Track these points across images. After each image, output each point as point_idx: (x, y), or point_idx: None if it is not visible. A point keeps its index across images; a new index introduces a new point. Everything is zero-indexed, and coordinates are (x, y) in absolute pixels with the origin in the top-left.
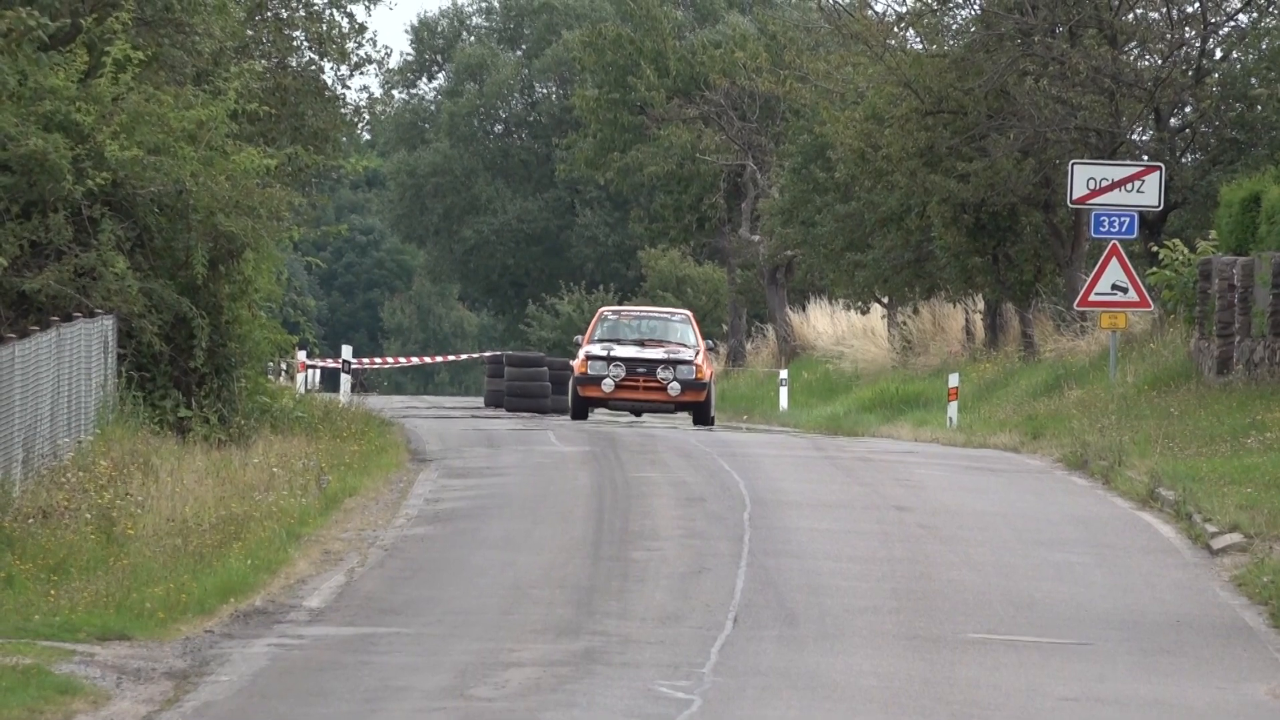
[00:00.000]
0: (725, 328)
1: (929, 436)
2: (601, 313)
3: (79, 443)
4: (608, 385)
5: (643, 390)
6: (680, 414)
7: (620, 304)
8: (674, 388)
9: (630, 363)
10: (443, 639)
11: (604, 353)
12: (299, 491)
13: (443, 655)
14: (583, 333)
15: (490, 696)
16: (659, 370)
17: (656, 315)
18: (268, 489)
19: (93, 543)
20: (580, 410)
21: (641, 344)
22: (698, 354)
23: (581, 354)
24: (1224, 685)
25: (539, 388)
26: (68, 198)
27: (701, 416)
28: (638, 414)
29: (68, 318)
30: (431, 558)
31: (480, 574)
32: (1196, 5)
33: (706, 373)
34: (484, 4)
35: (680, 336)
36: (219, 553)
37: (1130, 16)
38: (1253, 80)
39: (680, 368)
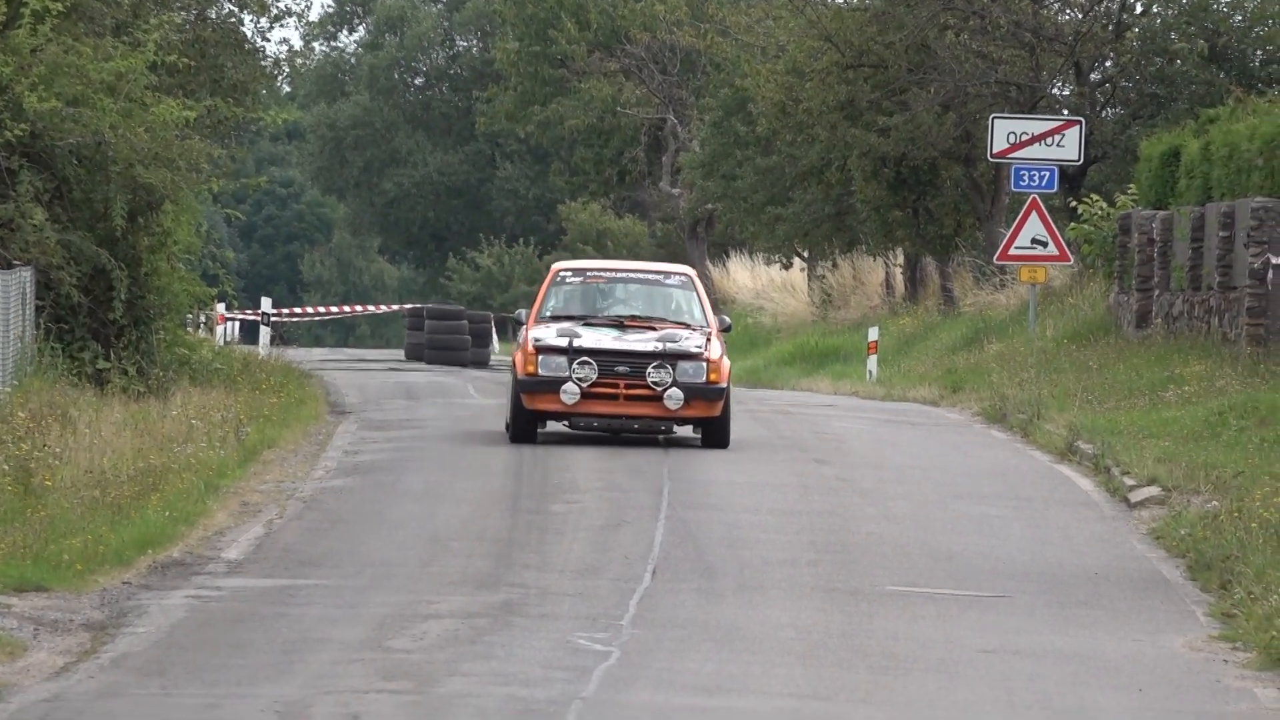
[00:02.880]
0: None
1: (848, 390)
2: (557, 272)
3: None
4: (570, 394)
5: (625, 401)
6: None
7: (571, 262)
8: (674, 397)
9: (606, 357)
10: (361, 591)
11: (563, 341)
12: (217, 443)
13: (361, 607)
14: (527, 303)
15: (408, 648)
16: (651, 369)
17: (642, 275)
18: (186, 441)
19: (9, 494)
20: (525, 429)
21: (621, 325)
22: (708, 340)
23: (526, 340)
24: (1141, 638)
25: (459, 341)
26: None
27: (715, 435)
28: (615, 432)
29: None
30: (350, 510)
31: (399, 526)
32: None
33: (723, 370)
34: None
35: (681, 310)
36: (137, 504)
37: None
38: (1172, 35)
39: (683, 365)
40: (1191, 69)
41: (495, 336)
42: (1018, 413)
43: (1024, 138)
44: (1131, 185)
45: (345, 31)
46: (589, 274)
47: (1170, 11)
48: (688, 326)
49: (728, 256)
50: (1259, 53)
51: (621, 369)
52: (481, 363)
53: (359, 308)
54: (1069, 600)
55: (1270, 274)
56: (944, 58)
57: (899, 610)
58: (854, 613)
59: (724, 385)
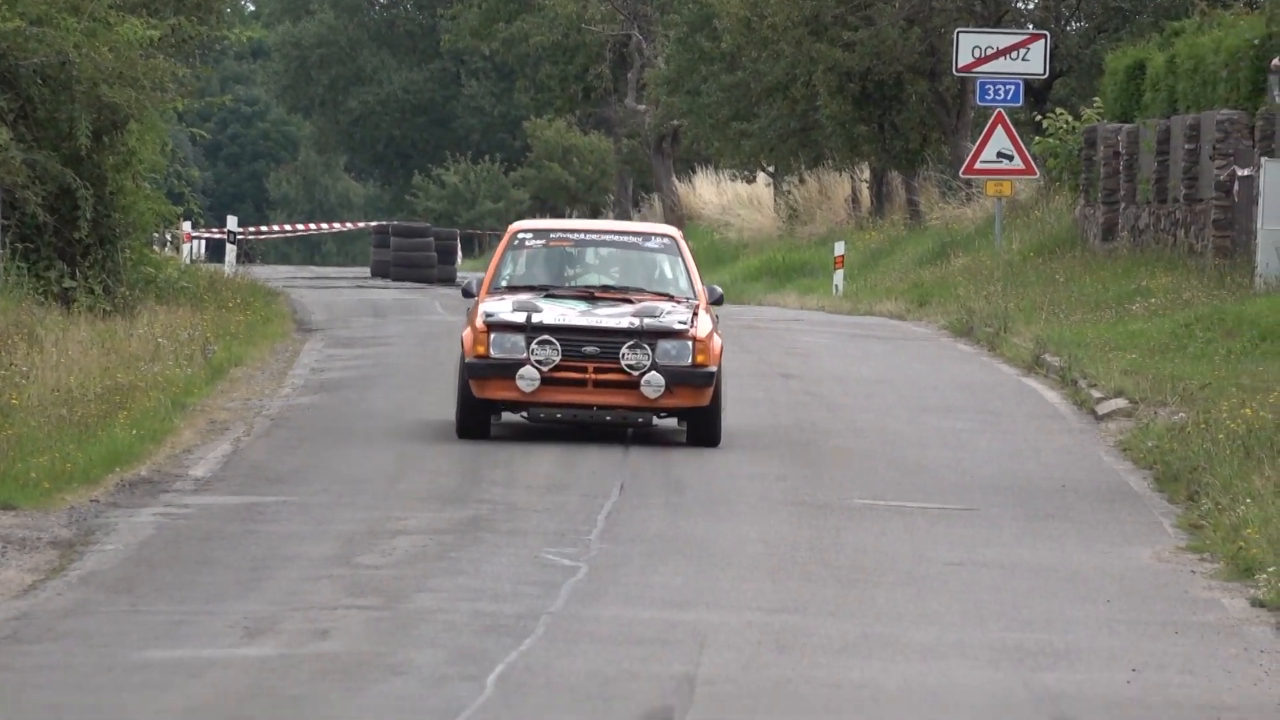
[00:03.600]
0: (611, 198)
1: (815, 304)
2: (514, 234)
3: None
4: (528, 379)
5: (594, 388)
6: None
7: (531, 222)
8: (653, 383)
9: (571, 335)
10: (329, 508)
11: (519, 316)
12: (184, 362)
13: (329, 524)
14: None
15: (377, 564)
16: (625, 350)
17: (617, 237)
18: (153, 359)
19: None
20: (475, 422)
21: (590, 297)
22: (695, 314)
23: (475, 315)
24: (1109, 550)
25: (425, 258)
26: None
27: (703, 430)
28: (584, 426)
29: None
30: (318, 427)
31: (367, 443)
32: None
33: (713, 350)
34: None
35: (663, 278)
36: (104, 423)
37: None
38: None
39: (665, 344)
40: None
41: (460, 253)
42: (984, 326)
43: (989, 52)
44: (1097, 99)
45: None
46: (553, 235)
47: None
48: (670, 298)
49: (693, 172)
50: None
51: (590, 349)
52: (447, 279)
53: (325, 226)
54: (1037, 513)
55: (1236, 186)
56: None
57: (867, 523)
58: (822, 526)
59: (713, 369)
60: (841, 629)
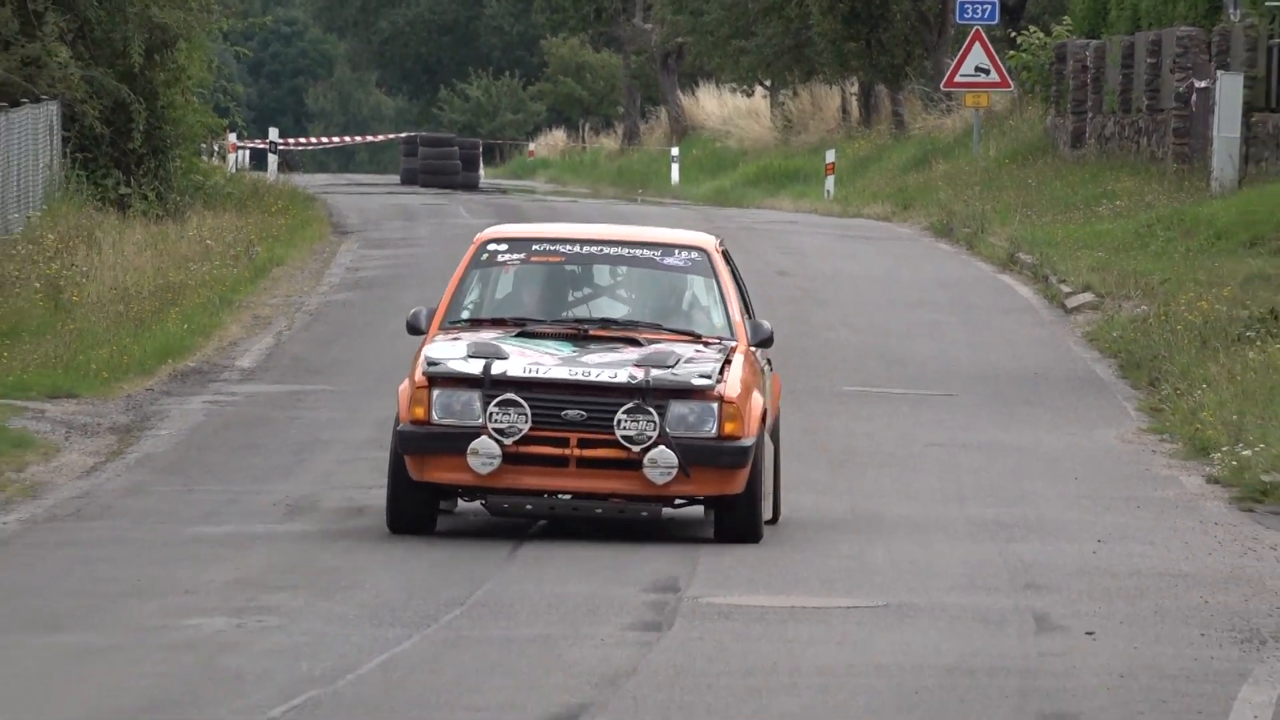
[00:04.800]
0: (621, 110)
1: (808, 208)
2: (482, 244)
3: (28, 218)
4: (484, 455)
5: (578, 469)
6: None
7: (506, 228)
8: (660, 461)
9: (547, 394)
10: (364, 396)
11: (474, 367)
12: (230, 262)
13: (364, 411)
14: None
15: None
16: (623, 416)
17: (625, 250)
18: (202, 260)
19: (42, 309)
20: (413, 513)
21: (580, 336)
22: (726, 363)
23: (418, 363)
24: (1077, 432)
25: (450, 165)
26: None
27: (737, 523)
28: (560, 520)
29: (15, 104)
30: (354, 322)
31: (398, 337)
32: None
33: (748, 416)
34: None
35: (689, 309)
36: (158, 318)
37: None
38: None
39: (678, 407)
40: None
41: (482, 162)
42: (963, 227)
43: None
44: (1066, 17)
45: None
46: (535, 248)
47: None
48: (697, 338)
49: (696, 86)
50: None
51: (573, 414)
52: (471, 185)
53: (358, 137)
54: (1011, 398)
55: (1194, 97)
56: None
57: (855, 409)
58: (814, 412)
59: (748, 441)
60: (831, 505)
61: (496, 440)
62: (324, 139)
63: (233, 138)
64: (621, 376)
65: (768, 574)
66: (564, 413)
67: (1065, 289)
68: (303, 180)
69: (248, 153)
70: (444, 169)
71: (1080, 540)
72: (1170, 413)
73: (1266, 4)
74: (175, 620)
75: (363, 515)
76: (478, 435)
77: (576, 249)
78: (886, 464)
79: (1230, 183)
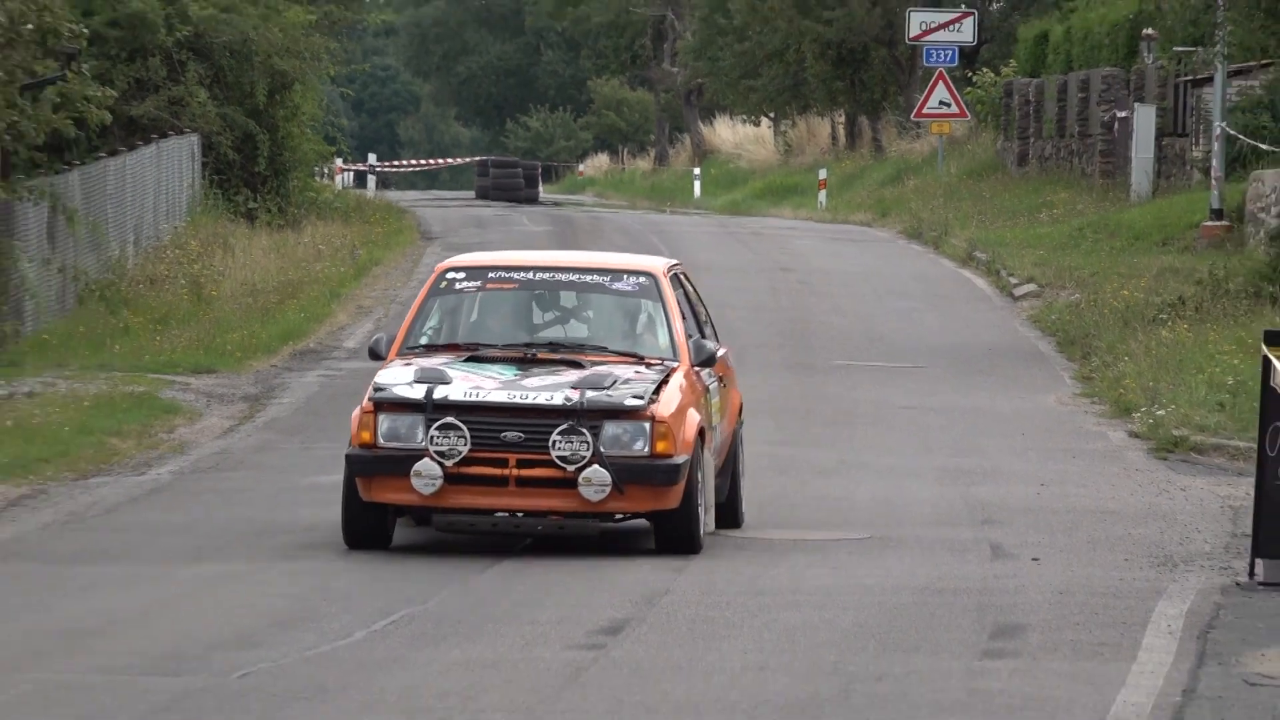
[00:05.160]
0: (653, 137)
1: (805, 216)
2: (441, 274)
3: (175, 228)
4: (426, 477)
5: (517, 488)
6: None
7: (466, 257)
8: (595, 479)
9: (485, 417)
10: None
11: (417, 393)
12: (338, 263)
13: None
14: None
15: None
16: (557, 437)
17: (577, 276)
18: (315, 261)
19: (186, 302)
20: (365, 529)
21: (525, 361)
22: (664, 381)
23: (372, 385)
24: (1023, 396)
25: (515, 183)
26: (162, 46)
27: (674, 534)
28: (506, 536)
29: (164, 136)
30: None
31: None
32: None
33: (680, 435)
34: None
35: (632, 330)
36: (280, 308)
37: None
38: None
39: (612, 428)
40: None
41: (541, 180)
42: (930, 231)
43: (932, 25)
44: (1012, 60)
45: None
46: (491, 275)
47: None
48: (639, 360)
49: (714, 118)
50: None
51: (511, 435)
52: (532, 199)
53: (441, 160)
54: (970, 370)
55: (1116, 125)
56: None
57: (844, 379)
58: (810, 381)
59: (681, 459)
60: (824, 456)
61: (438, 462)
62: (413, 162)
63: (339, 162)
64: (557, 399)
65: (773, 513)
66: (502, 434)
67: (1013, 280)
68: (395, 196)
69: (351, 174)
70: (510, 186)
71: (1026, 484)
72: (1098, 380)
73: (1173, 49)
74: (296, 552)
75: None
76: (420, 458)
77: (530, 275)
78: (869, 423)
79: (1145, 194)
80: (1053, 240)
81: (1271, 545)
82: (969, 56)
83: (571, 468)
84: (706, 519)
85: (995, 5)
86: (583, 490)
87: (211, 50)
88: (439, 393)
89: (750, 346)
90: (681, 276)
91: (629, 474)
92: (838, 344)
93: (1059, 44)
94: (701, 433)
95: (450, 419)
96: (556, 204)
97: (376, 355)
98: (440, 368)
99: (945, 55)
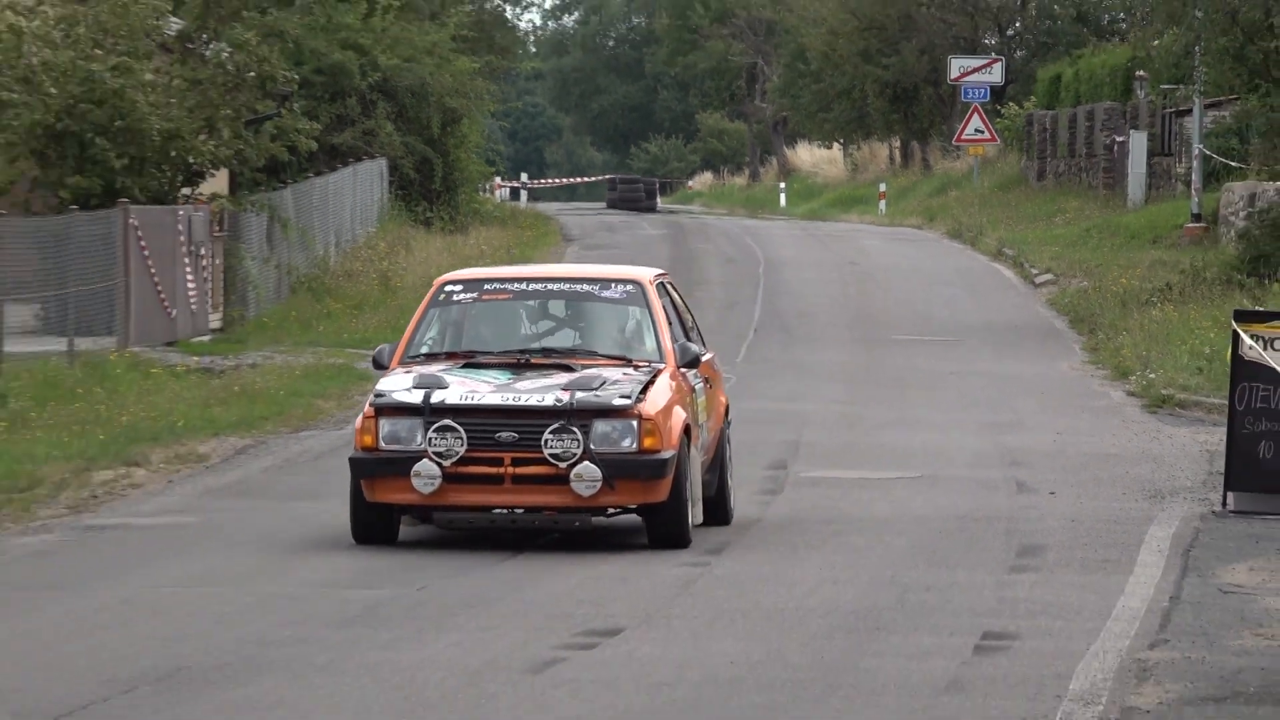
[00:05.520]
0: (747, 159)
1: (868, 221)
2: (440, 286)
3: (367, 233)
4: (425, 477)
5: (512, 485)
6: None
7: (464, 271)
8: (585, 475)
9: (480, 419)
10: None
11: (415, 397)
12: (497, 259)
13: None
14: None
15: None
16: (549, 436)
17: (566, 286)
18: (479, 258)
19: (377, 291)
20: (372, 526)
21: (520, 366)
22: (651, 382)
23: (373, 392)
24: (1043, 364)
25: (638, 195)
26: (357, 88)
27: (663, 528)
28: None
29: (359, 160)
30: None
31: None
32: None
33: (667, 431)
34: None
35: (623, 337)
36: None
37: None
38: (1055, 6)
39: (601, 426)
40: (1067, 26)
41: (659, 193)
42: (968, 232)
43: (968, 69)
44: (1033, 96)
45: (566, 14)
46: (487, 287)
47: None
48: (628, 363)
49: (795, 143)
50: (1107, 15)
51: (506, 435)
52: (652, 209)
53: (578, 178)
54: (1000, 343)
55: (1115, 147)
56: (921, 22)
57: (901, 351)
58: (874, 353)
59: (667, 454)
60: (884, 413)
61: (436, 463)
62: (556, 180)
63: (498, 179)
64: (548, 400)
65: (843, 457)
66: (497, 435)
67: (1034, 271)
68: (542, 207)
69: (507, 189)
70: (633, 198)
71: (1046, 433)
72: (1102, 350)
73: (1160, 87)
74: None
75: None
76: (419, 459)
77: (524, 286)
78: (921, 386)
79: (1139, 202)
80: (1065, 239)
81: (1239, 481)
82: (998, 93)
83: (563, 465)
84: (694, 512)
85: (1019, 53)
86: (575, 486)
87: (396, 92)
88: (436, 396)
89: (824, 325)
90: (668, 285)
91: (618, 469)
92: (895, 323)
93: (1069, 83)
94: (687, 429)
95: (447, 421)
96: (671, 212)
97: (379, 365)
98: (438, 374)
99: (979, 93)
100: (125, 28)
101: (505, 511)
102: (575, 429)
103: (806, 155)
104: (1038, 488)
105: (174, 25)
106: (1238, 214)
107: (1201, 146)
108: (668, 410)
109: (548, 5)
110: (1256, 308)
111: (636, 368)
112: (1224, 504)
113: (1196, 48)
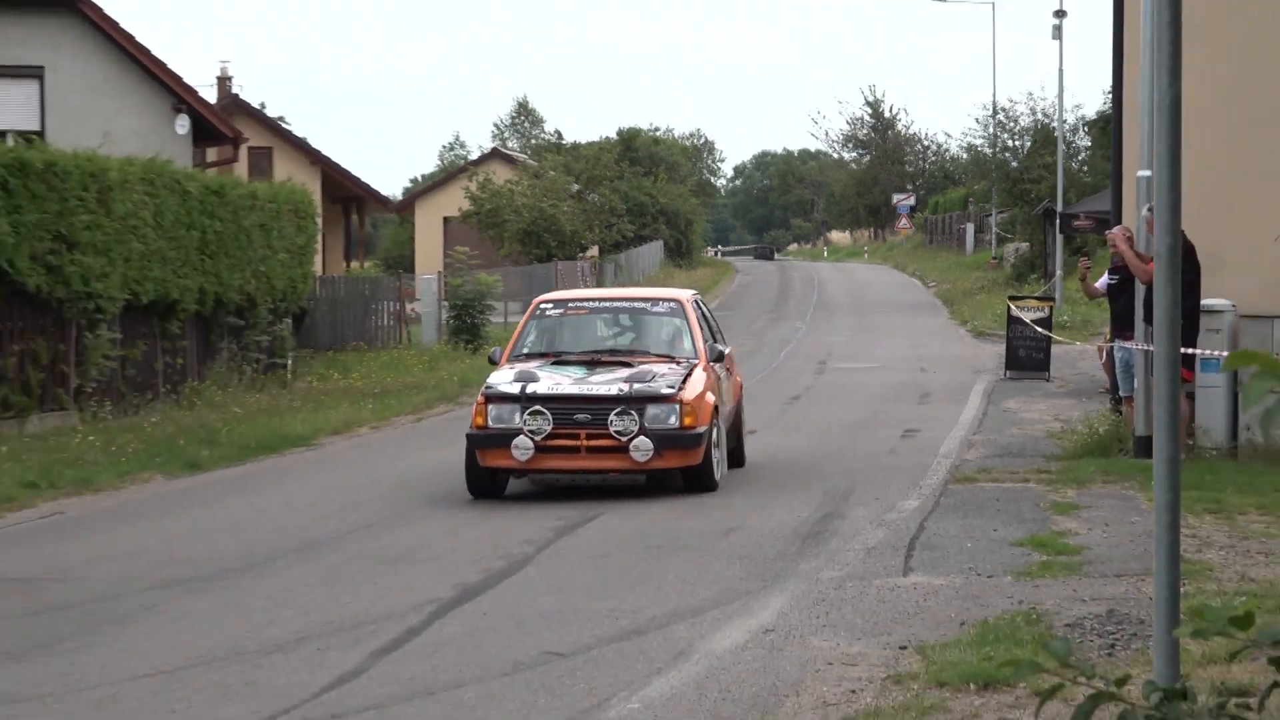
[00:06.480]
0: (810, 237)
1: (861, 262)
2: (538, 304)
3: (654, 273)
4: (522, 449)
5: (587, 454)
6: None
7: (557, 293)
8: (641, 447)
9: (562, 405)
10: (744, 315)
11: (515, 388)
12: (711, 283)
13: (765, 339)
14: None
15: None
16: (613, 417)
17: (625, 303)
18: (703, 281)
19: None
20: (484, 485)
21: (592, 364)
22: (688, 376)
23: (484, 384)
24: (931, 319)
25: (766, 253)
26: (649, 211)
27: (698, 481)
28: (578, 482)
29: (649, 240)
30: (744, 295)
31: (762, 309)
32: None
33: (702, 411)
34: None
35: (669, 340)
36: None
37: None
38: (937, 172)
39: (652, 409)
40: (941, 180)
41: (775, 252)
42: (902, 267)
43: (901, 198)
44: (928, 209)
45: (735, 179)
46: (570, 305)
47: None
48: (672, 359)
49: (830, 229)
50: (959, 175)
51: (581, 417)
52: (770, 259)
53: (741, 245)
54: (913, 311)
55: (961, 230)
56: (882, 180)
57: (871, 316)
58: (861, 317)
59: (701, 429)
60: (865, 341)
61: (530, 438)
62: (732, 246)
63: (709, 247)
64: (613, 390)
65: (849, 359)
66: (575, 416)
67: (929, 282)
68: (726, 259)
69: (714, 251)
70: (764, 254)
71: (932, 348)
72: (955, 314)
73: (980, 204)
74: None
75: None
76: (518, 435)
77: (596, 304)
78: (881, 330)
79: (970, 252)
80: (941, 268)
81: (1011, 364)
82: (914, 208)
83: (624, 439)
84: (721, 468)
85: (921, 190)
86: (633, 454)
87: (666, 212)
88: (530, 388)
89: (840, 304)
90: (699, 302)
91: (666, 441)
92: (869, 303)
93: (942, 203)
94: (716, 409)
95: (538, 407)
96: (780, 261)
97: (493, 361)
98: (533, 370)
99: (905, 207)
100: (555, 189)
101: (581, 473)
102: (632, 411)
103: (835, 235)
104: (929, 371)
105: (574, 187)
106: (1010, 257)
107: (997, 229)
108: (701, 396)
109: (729, 173)
110: (1014, 294)
111: (678, 363)
112: (1005, 374)
113: (993, 189)
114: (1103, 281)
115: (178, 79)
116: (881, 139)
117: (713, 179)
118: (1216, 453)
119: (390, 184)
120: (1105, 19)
